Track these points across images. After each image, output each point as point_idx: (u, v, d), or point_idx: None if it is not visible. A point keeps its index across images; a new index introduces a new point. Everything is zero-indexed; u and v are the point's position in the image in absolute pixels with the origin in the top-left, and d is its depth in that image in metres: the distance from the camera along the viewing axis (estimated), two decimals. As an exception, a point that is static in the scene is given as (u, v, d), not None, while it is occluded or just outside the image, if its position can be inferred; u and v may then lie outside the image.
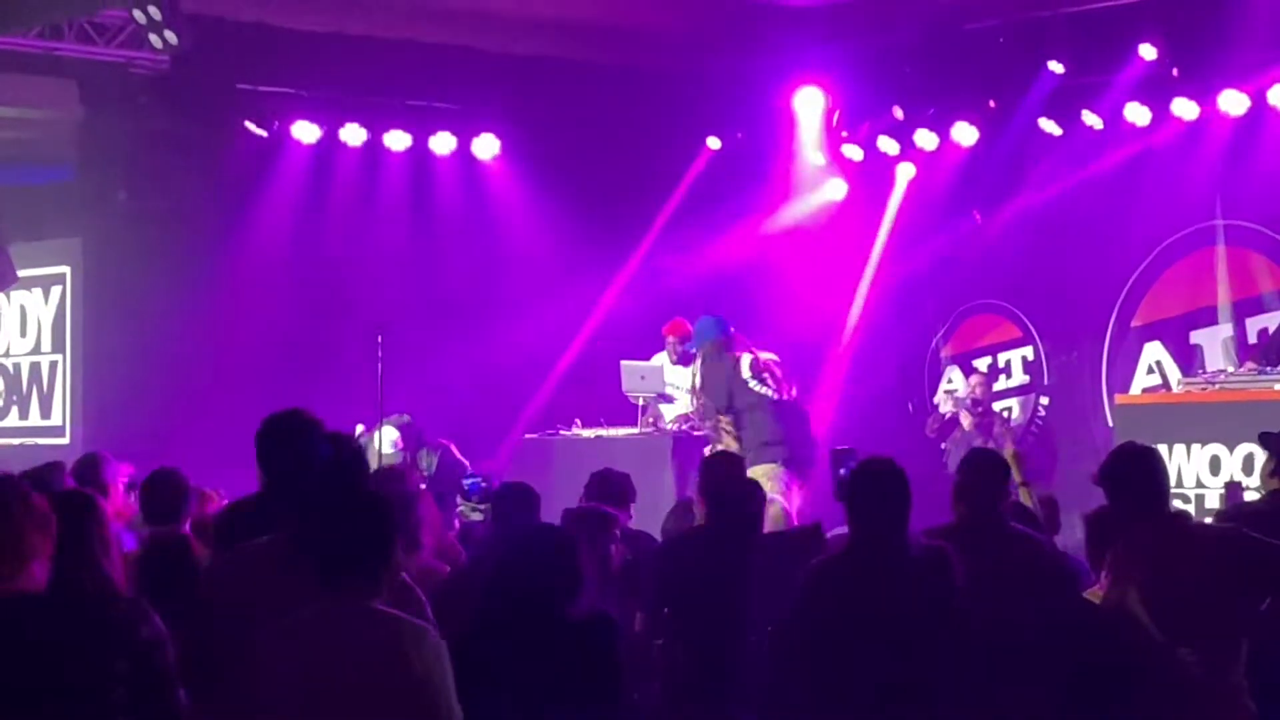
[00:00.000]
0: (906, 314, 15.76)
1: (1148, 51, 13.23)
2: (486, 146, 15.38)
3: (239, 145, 14.24)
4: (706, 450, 11.75)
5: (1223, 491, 10.26)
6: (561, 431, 13.59)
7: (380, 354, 12.98)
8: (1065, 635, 5.88)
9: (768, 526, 8.55)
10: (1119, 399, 13.47)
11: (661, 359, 13.63)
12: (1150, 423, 11.57)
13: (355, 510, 4.77)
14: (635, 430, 13.22)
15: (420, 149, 15.14)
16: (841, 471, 8.45)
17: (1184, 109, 13.38)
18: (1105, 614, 5.87)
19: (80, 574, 4.52)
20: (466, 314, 15.19)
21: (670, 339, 13.54)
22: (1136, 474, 5.97)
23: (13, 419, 15.78)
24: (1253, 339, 13.48)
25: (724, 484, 7.70)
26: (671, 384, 13.39)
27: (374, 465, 10.61)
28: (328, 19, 13.88)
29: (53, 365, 15.40)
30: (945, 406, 14.69)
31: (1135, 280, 14.41)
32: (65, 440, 14.89)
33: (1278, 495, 7.48)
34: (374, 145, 14.90)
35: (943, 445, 14.35)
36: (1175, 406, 12.13)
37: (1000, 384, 15.23)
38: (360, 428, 12.82)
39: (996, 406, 14.76)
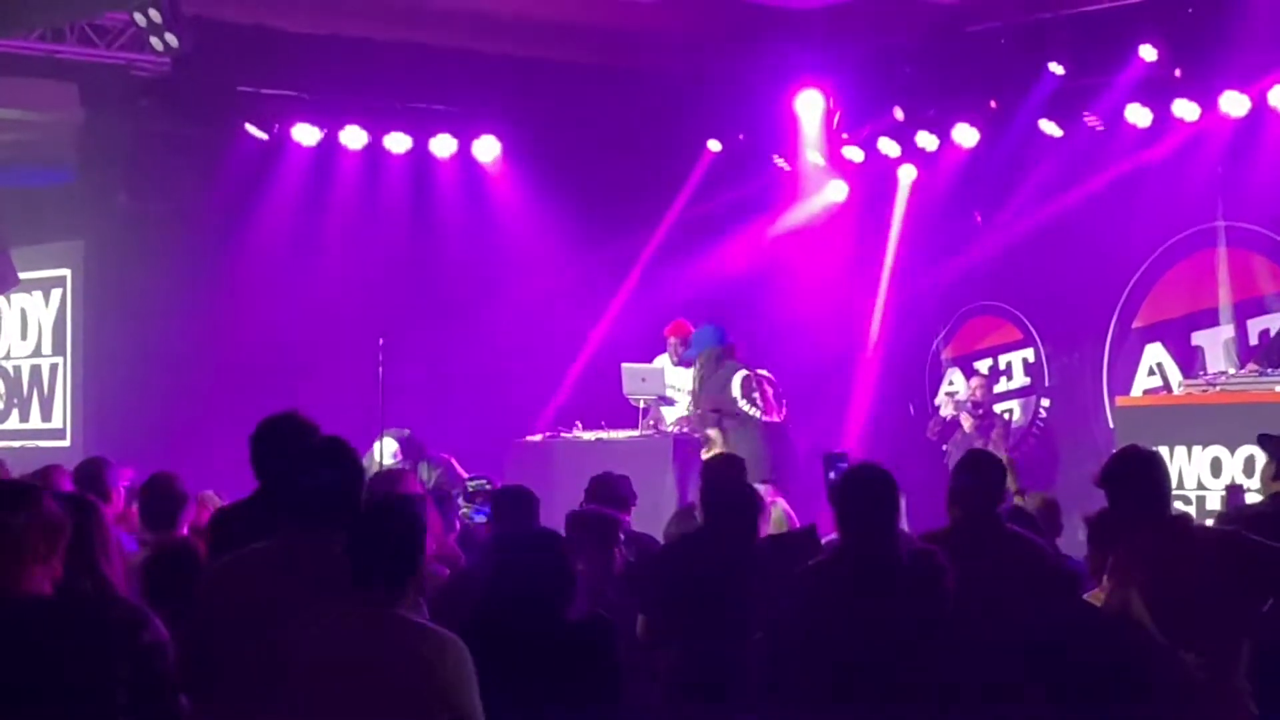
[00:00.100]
0: (907, 316, 15.75)
1: (1148, 53, 13.22)
2: (487, 149, 15.38)
3: (240, 147, 14.23)
4: (703, 454, 11.77)
5: (1224, 494, 10.25)
6: (562, 434, 13.60)
7: (381, 357, 12.99)
8: (1065, 637, 5.87)
9: (770, 528, 8.56)
10: (1120, 401, 13.46)
11: (663, 360, 13.64)
12: (1151, 424, 11.59)
13: (383, 517, 4.79)
14: (636, 433, 13.23)
15: (421, 151, 15.14)
16: (832, 475, 8.47)
17: (1185, 110, 13.36)
18: (1107, 616, 5.87)
19: (81, 577, 4.52)
20: (467, 316, 15.18)
21: (672, 340, 13.56)
22: (1138, 477, 5.97)
23: (13, 421, 15.78)
24: (1254, 340, 13.46)
25: (723, 486, 7.70)
26: (672, 386, 13.39)
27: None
28: (328, 21, 13.87)
29: (53, 368, 15.40)
30: (946, 409, 14.70)
31: (1136, 282, 14.39)
32: (66, 443, 14.89)
33: (1279, 498, 7.48)
34: (374, 148, 14.90)
35: (944, 448, 14.35)
36: (1176, 408, 12.14)
37: (1001, 386, 15.21)
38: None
39: (997, 408, 14.75)
